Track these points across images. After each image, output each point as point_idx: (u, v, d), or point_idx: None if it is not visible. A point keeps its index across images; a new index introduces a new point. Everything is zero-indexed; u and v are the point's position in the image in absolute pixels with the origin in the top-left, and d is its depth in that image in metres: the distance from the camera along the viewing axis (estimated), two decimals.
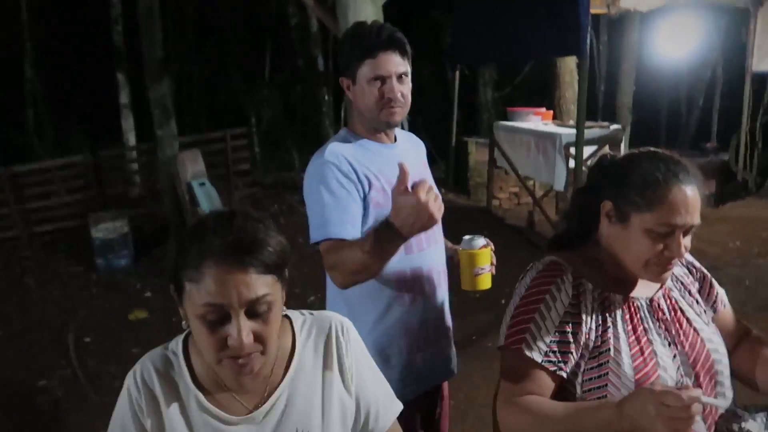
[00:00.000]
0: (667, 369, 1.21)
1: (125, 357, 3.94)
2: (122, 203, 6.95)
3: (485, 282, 1.47)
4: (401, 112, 1.51)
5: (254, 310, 0.92)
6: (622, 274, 1.26)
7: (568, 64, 6.79)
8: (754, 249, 5.10)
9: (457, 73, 7.12)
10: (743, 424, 1.13)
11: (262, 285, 0.92)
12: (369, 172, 1.48)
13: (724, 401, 1.14)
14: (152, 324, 4.56)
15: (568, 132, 5.07)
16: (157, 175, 6.71)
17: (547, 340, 1.21)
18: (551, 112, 6.29)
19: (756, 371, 1.31)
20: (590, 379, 1.22)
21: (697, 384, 1.23)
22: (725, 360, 1.29)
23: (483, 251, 1.46)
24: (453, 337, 1.69)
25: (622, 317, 1.24)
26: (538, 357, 1.21)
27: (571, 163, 5.02)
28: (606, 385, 1.21)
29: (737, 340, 1.39)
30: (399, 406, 1.16)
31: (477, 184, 7.00)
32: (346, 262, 1.36)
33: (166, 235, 6.09)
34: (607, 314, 1.24)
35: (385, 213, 1.33)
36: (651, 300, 1.28)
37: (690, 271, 1.38)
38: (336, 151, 1.48)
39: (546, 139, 5.35)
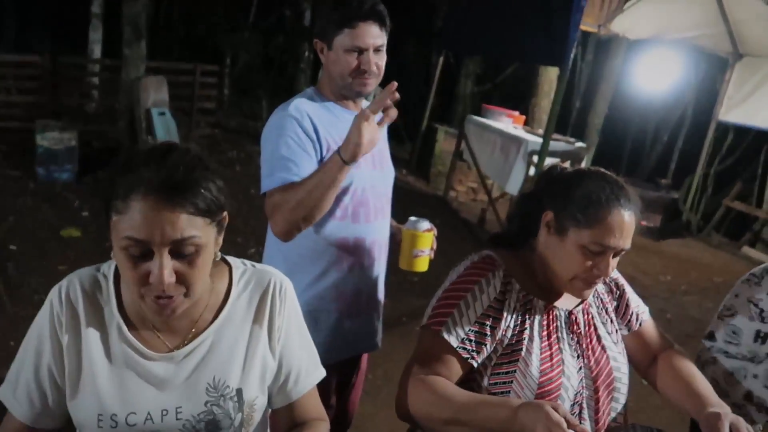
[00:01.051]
0: (571, 378, 1.28)
1: (50, 272, 3.82)
2: (75, 116, 6.64)
3: (422, 264, 1.50)
4: (374, 83, 1.51)
5: (179, 250, 0.90)
6: (549, 282, 1.31)
7: (550, 74, 6.87)
8: (682, 286, 5.35)
9: (441, 59, 7.09)
10: None
11: (191, 226, 0.89)
12: (329, 135, 1.48)
13: None
14: (84, 245, 4.41)
15: (535, 140, 5.15)
16: (117, 95, 6.44)
17: (466, 328, 1.25)
18: (524, 117, 6.36)
19: (667, 389, 1.38)
20: (498, 373, 1.27)
21: (596, 397, 1.31)
22: (625, 379, 1.36)
23: (426, 234, 1.48)
24: (382, 313, 1.71)
25: (540, 323, 1.29)
26: (454, 342, 1.24)
27: (531, 171, 5.10)
28: (512, 381, 1.26)
29: (656, 354, 1.45)
30: (321, 373, 1.16)
31: (438, 173, 7.04)
32: (289, 201, 1.37)
33: (115, 158, 5.88)
34: (527, 317, 1.29)
35: None
36: (570, 312, 1.33)
37: (611, 290, 1.43)
38: (301, 107, 1.47)
39: (512, 142, 5.41)
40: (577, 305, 1.35)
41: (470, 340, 1.25)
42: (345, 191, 1.50)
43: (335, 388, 1.66)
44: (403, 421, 1.36)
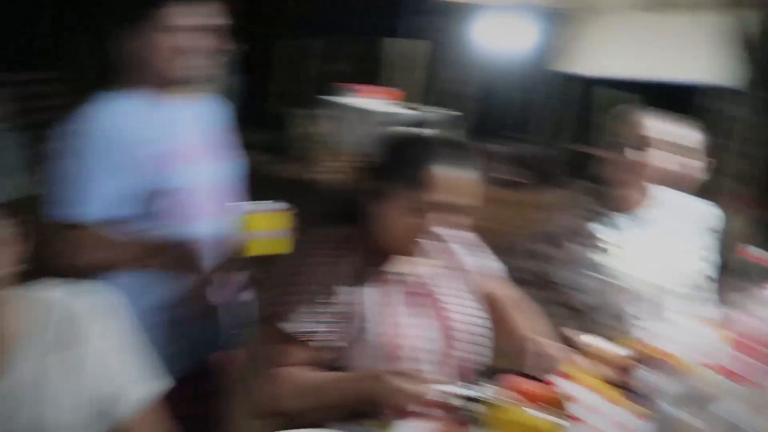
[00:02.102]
0: (425, 339, 1.27)
1: None
2: None
3: (275, 246, 1.38)
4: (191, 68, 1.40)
5: None
6: (385, 248, 1.29)
7: (409, 46, 6.96)
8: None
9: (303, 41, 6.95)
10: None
11: None
12: (145, 133, 1.38)
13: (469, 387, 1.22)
14: None
15: (407, 113, 5.19)
16: None
17: (309, 311, 1.21)
18: (393, 91, 6.41)
19: (507, 335, 1.41)
20: (352, 353, 1.24)
21: (458, 353, 1.31)
22: (485, 331, 1.37)
23: (270, 215, 1.38)
24: (238, 312, 1.63)
25: (386, 290, 1.28)
26: (296, 329, 1.21)
27: None
28: (364, 354, 1.23)
29: (508, 306, 1.48)
30: (151, 390, 1.07)
31: (303, 157, 6.95)
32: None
33: None
34: (366, 287, 1.26)
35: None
36: (411, 274, 1.32)
37: (460, 246, 1.44)
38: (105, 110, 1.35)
39: (377, 118, 5.42)
40: (424, 267, 1.34)
41: (315, 323, 1.21)
42: (171, 191, 1.40)
43: (193, 400, 1.56)
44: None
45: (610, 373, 1.31)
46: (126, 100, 1.40)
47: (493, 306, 1.48)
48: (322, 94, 7.04)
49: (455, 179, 1.20)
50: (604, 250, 1.66)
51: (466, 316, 1.35)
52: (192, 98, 1.51)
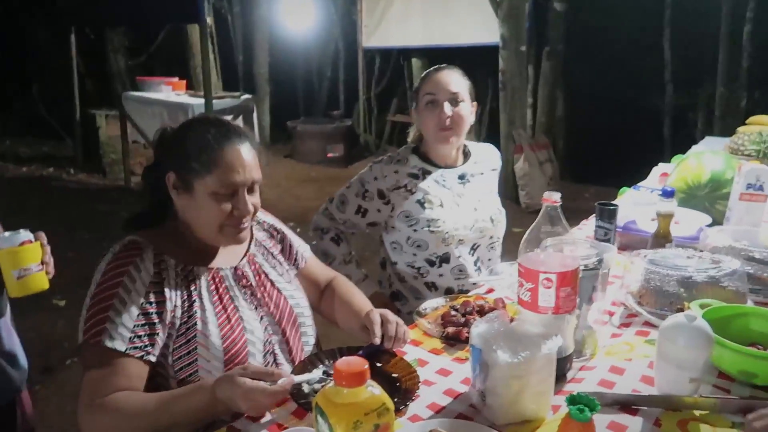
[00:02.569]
0: (255, 331, 1.25)
1: None
2: None
3: (36, 283, 1.23)
4: None
5: None
6: (204, 245, 1.25)
7: (197, 32, 6.62)
8: None
9: (73, 37, 6.26)
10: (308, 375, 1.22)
11: None
12: None
13: (317, 372, 1.22)
14: None
15: (200, 102, 4.96)
16: None
17: (130, 325, 1.12)
18: (184, 81, 6.07)
19: (335, 313, 1.47)
20: (180, 357, 1.18)
21: (285, 339, 1.31)
22: (307, 312, 1.40)
23: (25, 248, 1.21)
24: (23, 351, 1.45)
25: (208, 288, 1.23)
26: (121, 346, 1.10)
27: None
28: (196, 359, 1.18)
29: (324, 286, 1.53)
30: None
31: (113, 161, 6.38)
32: None
33: None
34: (192, 288, 1.21)
35: None
36: (235, 268, 1.30)
37: (272, 235, 1.45)
38: None
39: (178, 110, 5.14)
40: (241, 259, 1.32)
41: (139, 336, 1.12)
42: None
43: None
44: None
45: (439, 327, 1.40)
46: None
47: (319, 288, 1.51)
48: (121, 91, 6.45)
49: (244, 155, 1.20)
50: (425, 204, 1.76)
51: (291, 300, 1.35)
52: None
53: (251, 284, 1.30)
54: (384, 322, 1.28)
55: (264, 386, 1.01)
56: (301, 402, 1.08)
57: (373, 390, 0.77)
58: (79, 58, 6.65)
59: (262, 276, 1.33)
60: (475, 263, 1.82)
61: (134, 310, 1.13)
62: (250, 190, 1.23)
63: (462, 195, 1.82)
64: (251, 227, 1.37)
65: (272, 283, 1.34)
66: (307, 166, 7.42)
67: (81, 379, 1.14)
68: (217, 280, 1.25)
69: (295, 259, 1.46)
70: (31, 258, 1.23)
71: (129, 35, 8.93)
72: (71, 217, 5.02)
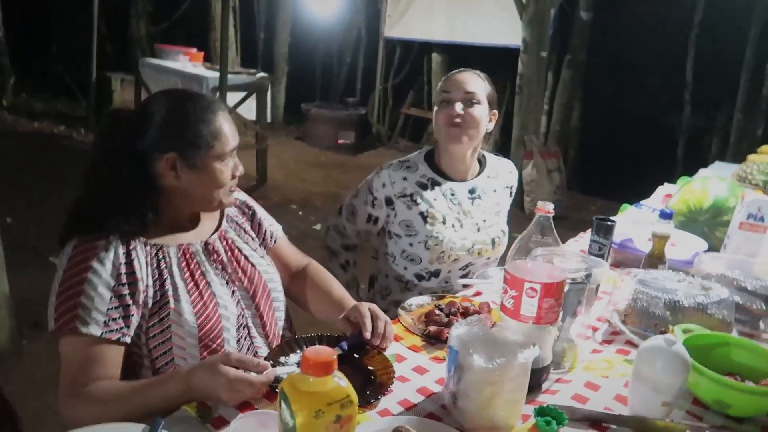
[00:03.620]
0: (228, 306, 1.25)
1: None
2: None
3: None
4: None
5: None
6: (176, 222, 1.25)
7: (220, 5, 6.59)
8: None
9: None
10: (284, 359, 1.22)
11: None
12: None
13: (296, 367, 1.22)
14: None
15: (216, 75, 4.95)
16: None
17: (104, 309, 1.10)
18: (202, 53, 6.06)
19: (307, 299, 1.48)
20: (154, 336, 1.18)
21: (259, 313, 1.31)
22: (279, 287, 1.40)
23: None
24: None
25: (179, 265, 1.22)
26: (96, 330, 1.09)
27: None
28: (170, 337, 1.18)
29: (295, 270, 1.52)
30: None
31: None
32: None
33: None
34: (162, 266, 1.20)
35: None
36: (206, 243, 1.29)
37: (243, 211, 1.44)
38: None
39: (193, 81, 5.13)
40: (212, 234, 1.31)
41: (114, 319, 1.11)
42: None
43: None
44: None
45: (422, 325, 1.40)
46: None
47: (289, 271, 1.51)
48: (139, 56, 6.45)
49: (227, 123, 1.24)
50: (427, 218, 1.71)
51: (262, 277, 1.35)
52: None
53: (222, 259, 1.29)
54: (374, 318, 1.27)
55: (249, 377, 1.00)
56: (274, 385, 1.08)
57: (339, 381, 0.77)
58: (101, 20, 6.66)
59: (235, 251, 1.33)
60: (463, 277, 1.80)
61: (106, 293, 1.11)
62: (235, 155, 1.29)
63: (468, 213, 1.76)
64: None
65: (246, 258, 1.34)
66: (316, 151, 7.41)
67: (58, 366, 1.12)
68: (187, 255, 1.24)
69: (264, 237, 1.45)
70: None
71: (153, 1, 8.94)
72: (77, 176, 5.03)
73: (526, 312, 1.09)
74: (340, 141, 7.46)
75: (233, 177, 1.27)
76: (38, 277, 3.31)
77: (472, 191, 1.78)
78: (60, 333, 1.11)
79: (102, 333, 1.10)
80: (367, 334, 1.25)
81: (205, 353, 1.20)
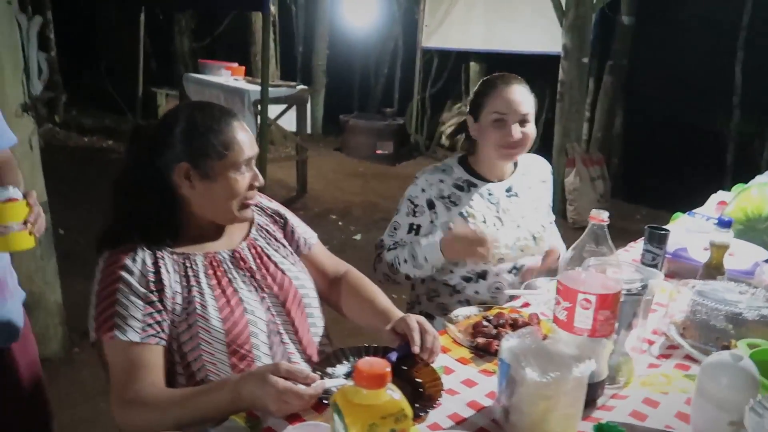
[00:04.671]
0: (255, 312, 1.25)
1: None
2: None
3: (16, 242, 1.23)
4: None
5: None
6: (200, 232, 1.27)
7: (260, 20, 6.72)
8: None
9: (142, 16, 6.46)
10: (332, 370, 1.21)
11: None
12: None
13: (343, 370, 1.23)
14: None
15: (257, 89, 5.03)
16: None
17: (139, 315, 1.14)
18: (243, 67, 6.17)
19: (344, 306, 1.48)
20: (184, 342, 1.19)
21: (290, 319, 1.31)
22: (312, 293, 1.39)
23: (8, 205, 1.21)
24: (19, 297, 1.49)
25: (205, 272, 1.24)
26: (135, 336, 1.13)
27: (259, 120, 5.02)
28: (199, 344, 1.19)
29: (333, 277, 1.52)
30: None
31: None
32: None
33: None
34: (189, 273, 1.22)
35: None
36: (233, 251, 1.30)
37: (275, 220, 1.45)
38: None
39: (235, 94, 5.23)
40: (240, 243, 1.33)
41: (150, 324, 1.15)
42: None
43: None
44: None
45: (469, 336, 1.37)
46: None
47: (327, 277, 1.51)
48: (182, 72, 6.63)
49: (247, 132, 1.25)
50: (468, 218, 1.71)
51: (294, 284, 1.34)
52: None
53: (250, 266, 1.30)
54: (422, 332, 1.25)
55: (298, 389, 1.00)
56: (323, 397, 1.07)
57: (393, 394, 0.75)
58: (146, 37, 6.86)
59: (264, 258, 1.34)
60: (514, 284, 1.77)
61: (138, 300, 1.15)
62: (252, 166, 1.28)
63: (507, 210, 1.76)
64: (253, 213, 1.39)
65: (275, 265, 1.34)
66: (355, 161, 7.45)
67: (108, 374, 1.17)
68: (214, 264, 1.26)
69: (298, 245, 1.46)
70: (12, 216, 1.22)
71: (195, 18, 9.20)
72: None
73: (580, 324, 1.06)
74: (378, 151, 7.48)
75: (251, 188, 1.27)
76: (88, 287, 3.42)
77: (509, 190, 1.79)
78: (101, 342, 1.16)
79: (141, 338, 1.14)
80: (416, 348, 1.22)
81: (233, 359, 1.21)
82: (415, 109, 8.21)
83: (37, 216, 1.26)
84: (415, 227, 1.76)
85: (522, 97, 1.69)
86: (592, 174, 5.53)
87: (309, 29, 9.10)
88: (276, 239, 1.41)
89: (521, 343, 1.05)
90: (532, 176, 1.86)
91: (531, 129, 1.70)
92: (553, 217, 1.93)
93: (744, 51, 6.41)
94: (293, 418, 1.04)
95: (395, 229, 1.78)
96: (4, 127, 1.48)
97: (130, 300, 1.15)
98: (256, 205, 1.39)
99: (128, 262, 1.17)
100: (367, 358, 0.77)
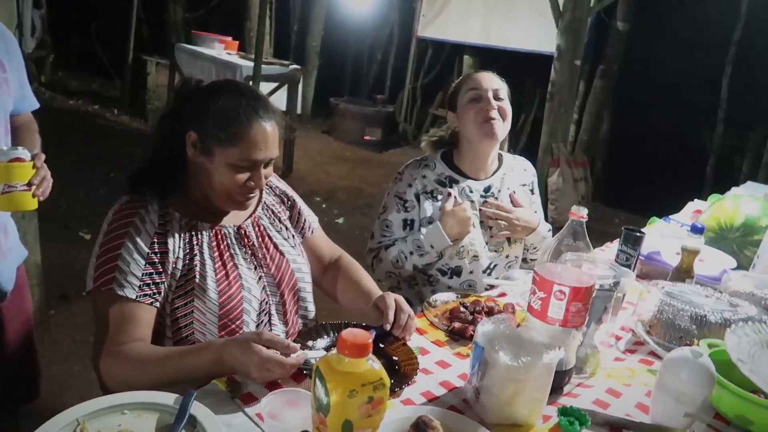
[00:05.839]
0: (252, 290, 1.29)
1: None
2: None
3: (19, 202, 1.25)
4: None
5: None
6: (210, 202, 1.28)
7: None
8: None
9: None
10: (312, 342, 1.25)
11: None
12: None
13: (323, 344, 1.26)
14: None
15: (249, 65, 5.01)
16: None
17: (138, 273, 1.17)
18: (237, 42, 6.13)
19: (337, 290, 1.51)
20: (177, 307, 1.22)
21: (282, 301, 1.34)
22: (308, 278, 1.43)
23: (14, 165, 1.23)
24: (10, 255, 1.49)
25: (209, 244, 1.26)
26: (131, 293, 1.16)
27: None
28: (192, 311, 1.22)
29: (328, 262, 1.55)
30: None
31: (156, 109, 6.48)
32: None
33: None
34: (194, 242, 1.25)
35: None
36: (239, 227, 1.32)
37: (282, 201, 1.47)
38: None
39: (227, 68, 5.20)
40: (245, 219, 1.34)
41: (147, 284, 1.17)
42: None
43: None
44: None
45: (446, 321, 1.42)
46: None
47: (322, 262, 1.54)
48: (174, 42, 6.55)
49: (269, 133, 1.21)
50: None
51: (292, 265, 1.38)
52: None
53: (253, 244, 1.33)
54: (398, 310, 1.30)
55: (281, 358, 1.03)
56: (302, 368, 1.10)
57: (373, 364, 0.79)
58: (139, 3, 6.77)
59: (266, 238, 1.36)
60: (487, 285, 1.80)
61: (140, 259, 1.17)
62: (266, 165, 1.25)
63: (481, 211, 1.79)
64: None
65: (275, 246, 1.37)
66: (342, 145, 7.45)
67: (95, 325, 1.20)
68: (219, 236, 1.28)
69: (302, 228, 1.49)
70: (18, 176, 1.24)
71: None
72: (108, 156, 5.14)
73: (553, 314, 1.11)
74: (366, 137, 7.49)
75: (245, 187, 1.23)
76: (67, 251, 3.41)
77: (487, 189, 1.82)
78: (97, 293, 1.17)
79: (137, 296, 1.16)
80: (387, 325, 1.27)
81: (223, 333, 1.24)
82: (406, 98, 8.22)
83: (43, 179, 1.28)
84: (409, 222, 1.77)
85: (494, 78, 1.75)
86: (576, 176, 5.62)
87: (306, 8, 9.03)
88: (280, 220, 1.42)
89: (496, 329, 1.10)
90: (513, 178, 1.87)
91: (507, 105, 1.74)
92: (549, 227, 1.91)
93: (732, 66, 6.52)
94: (272, 385, 1.08)
95: (387, 227, 1.78)
96: (27, 92, 1.50)
97: (132, 257, 1.17)
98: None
99: (137, 220, 1.19)
100: (351, 329, 0.81)
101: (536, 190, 1.94)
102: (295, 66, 5.74)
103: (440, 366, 1.24)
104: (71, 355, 2.54)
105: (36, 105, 1.55)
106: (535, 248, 1.89)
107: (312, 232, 1.52)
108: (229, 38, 6.08)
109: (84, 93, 7.49)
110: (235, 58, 5.49)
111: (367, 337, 0.79)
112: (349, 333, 0.79)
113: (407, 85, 8.18)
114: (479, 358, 1.07)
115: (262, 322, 1.30)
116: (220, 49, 5.79)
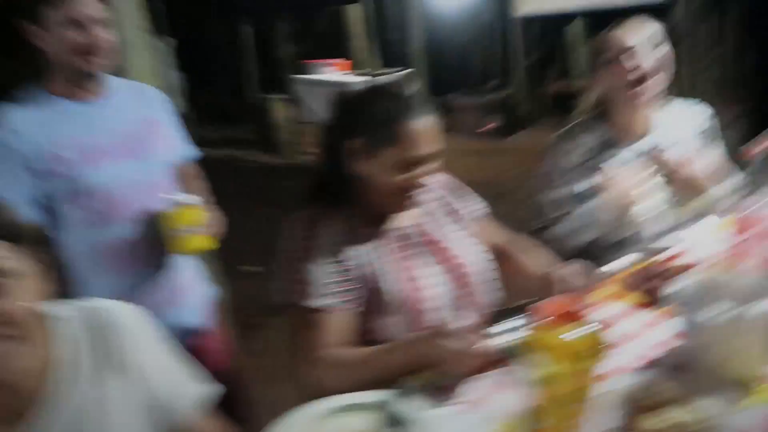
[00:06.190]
0: (437, 286, 1.29)
1: None
2: None
3: (201, 243, 1.42)
4: (101, 61, 1.40)
5: None
6: (382, 204, 1.29)
7: (355, 14, 6.89)
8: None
9: (244, 28, 6.82)
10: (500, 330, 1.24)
11: None
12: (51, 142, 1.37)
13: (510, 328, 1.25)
14: None
15: (364, 80, 5.16)
16: None
17: (332, 280, 1.21)
18: (349, 61, 6.34)
19: (508, 277, 1.46)
20: (365, 311, 1.25)
21: (470, 290, 1.33)
22: (488, 264, 1.40)
23: (193, 210, 1.40)
24: (203, 299, 1.65)
25: (389, 246, 1.29)
26: (330, 301, 1.20)
27: None
28: (379, 312, 1.25)
29: (499, 246, 1.50)
30: (202, 389, 1.07)
31: (288, 142, 6.88)
32: None
33: None
34: (373, 247, 1.27)
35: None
36: (414, 226, 1.33)
37: (451, 190, 1.46)
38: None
39: (342, 89, 5.38)
40: (422, 217, 1.35)
41: (343, 291, 1.21)
42: (83, 194, 1.39)
43: None
44: None
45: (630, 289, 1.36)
46: (29, 101, 1.39)
47: (498, 250, 1.50)
48: (288, 76, 6.95)
49: (429, 129, 1.21)
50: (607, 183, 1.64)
51: (471, 256, 1.36)
52: (106, 94, 1.49)
53: (431, 239, 1.33)
54: (569, 282, 1.26)
55: (473, 349, 1.05)
56: (496, 356, 1.11)
57: (583, 330, 0.78)
58: (251, 47, 7.23)
59: (443, 231, 1.36)
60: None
61: (330, 267, 1.21)
62: (433, 160, 1.25)
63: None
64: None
65: (452, 240, 1.36)
66: (464, 140, 7.40)
67: (293, 338, 1.24)
68: (399, 239, 1.30)
69: (471, 217, 1.46)
70: (193, 220, 1.40)
71: (292, 23, 9.54)
72: (256, 193, 5.56)
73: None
74: (486, 127, 7.39)
75: (415, 185, 1.23)
76: (234, 284, 3.67)
77: (651, 148, 1.68)
78: (292, 307, 1.22)
79: (335, 303, 1.20)
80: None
81: (411, 330, 1.24)
82: (520, 79, 7.99)
83: (213, 220, 1.45)
84: (577, 195, 1.69)
85: (628, 31, 1.65)
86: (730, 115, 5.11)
87: (401, 15, 9.12)
88: (453, 212, 1.42)
89: (695, 285, 1.04)
90: (678, 129, 1.73)
91: (647, 62, 1.61)
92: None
93: None
94: (467, 376, 1.10)
95: (556, 203, 1.71)
96: (186, 144, 1.68)
97: (322, 268, 1.21)
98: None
99: (321, 232, 1.23)
100: (549, 298, 0.80)
101: (711, 133, 1.77)
102: (407, 71, 5.84)
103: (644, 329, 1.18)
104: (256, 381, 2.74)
105: (196, 154, 1.70)
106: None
107: (480, 220, 1.49)
108: (338, 60, 6.31)
109: (227, 142, 8.14)
110: (349, 77, 5.69)
111: (568, 303, 0.78)
112: (551, 304, 0.79)
113: (518, 67, 7.95)
114: (686, 317, 1.02)
115: (449, 315, 1.30)
116: (332, 72, 6.03)
